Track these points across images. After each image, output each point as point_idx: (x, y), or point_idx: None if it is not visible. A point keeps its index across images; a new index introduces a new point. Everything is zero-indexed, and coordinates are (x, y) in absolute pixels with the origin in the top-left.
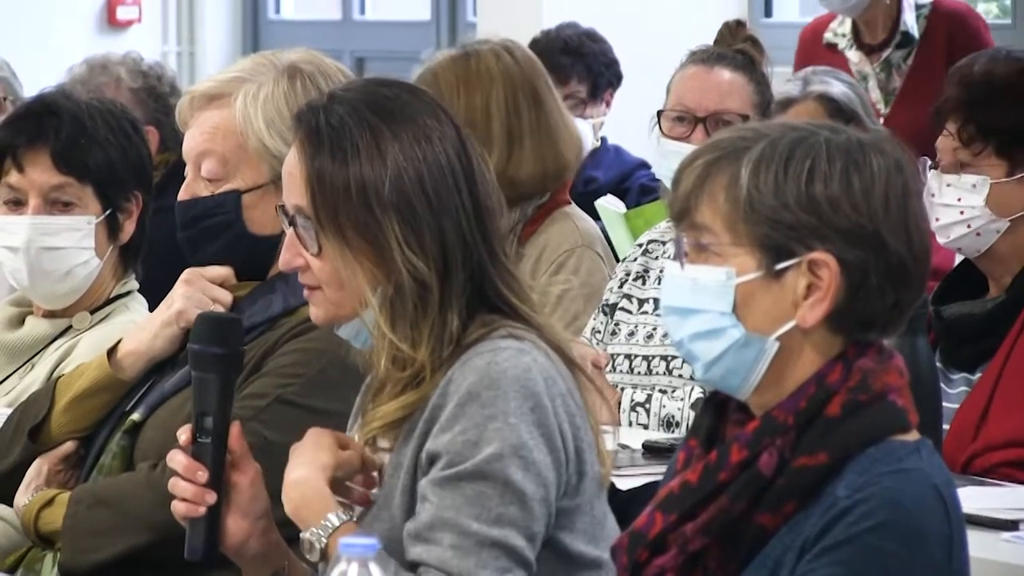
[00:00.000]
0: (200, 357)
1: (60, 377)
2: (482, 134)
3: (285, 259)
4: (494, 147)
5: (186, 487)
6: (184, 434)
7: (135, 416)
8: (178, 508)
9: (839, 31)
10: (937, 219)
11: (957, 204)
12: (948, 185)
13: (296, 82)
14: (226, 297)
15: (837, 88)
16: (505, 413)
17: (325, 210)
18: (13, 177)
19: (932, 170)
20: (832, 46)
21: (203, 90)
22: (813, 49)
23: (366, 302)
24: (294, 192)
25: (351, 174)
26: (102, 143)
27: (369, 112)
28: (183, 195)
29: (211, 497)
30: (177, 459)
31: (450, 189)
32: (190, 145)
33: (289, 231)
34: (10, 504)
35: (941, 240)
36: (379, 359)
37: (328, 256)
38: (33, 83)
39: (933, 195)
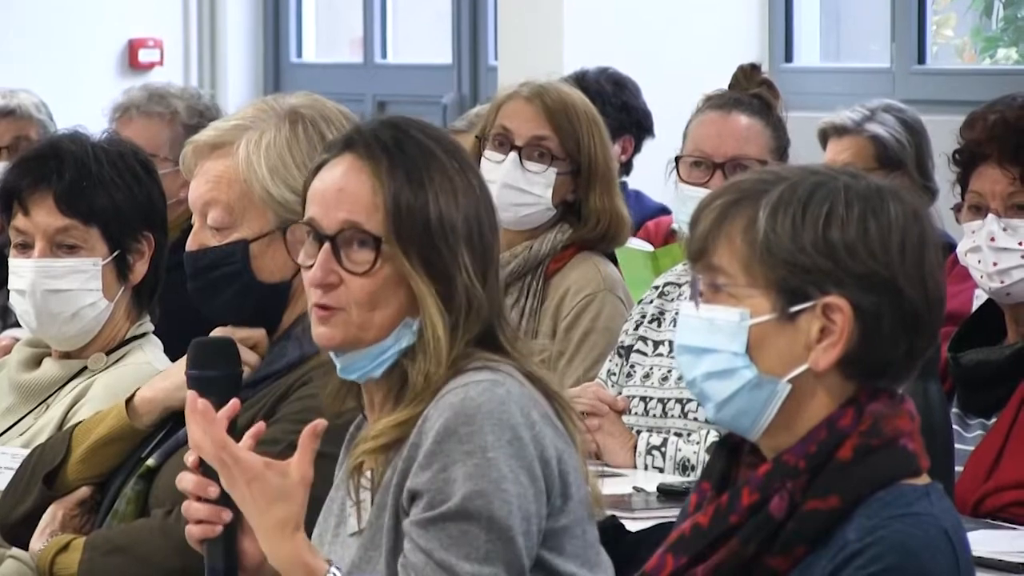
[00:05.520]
0: (199, 381)
1: (78, 424)
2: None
3: (316, 276)
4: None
5: (200, 508)
6: (192, 457)
7: (150, 462)
8: (193, 532)
9: None
10: (995, 263)
11: (1019, 248)
12: (1005, 229)
13: (298, 127)
14: (256, 360)
15: (892, 133)
16: (483, 448)
17: (401, 234)
18: (20, 220)
19: (990, 215)
20: None
21: (205, 139)
22: None
23: (389, 326)
24: (347, 208)
25: (430, 202)
26: (107, 185)
27: (431, 143)
28: (191, 245)
29: (227, 515)
30: (186, 479)
31: (493, 227)
32: (195, 195)
33: (325, 247)
34: (26, 549)
35: (993, 285)
36: (418, 373)
37: (378, 277)
38: (55, 125)
39: (993, 239)
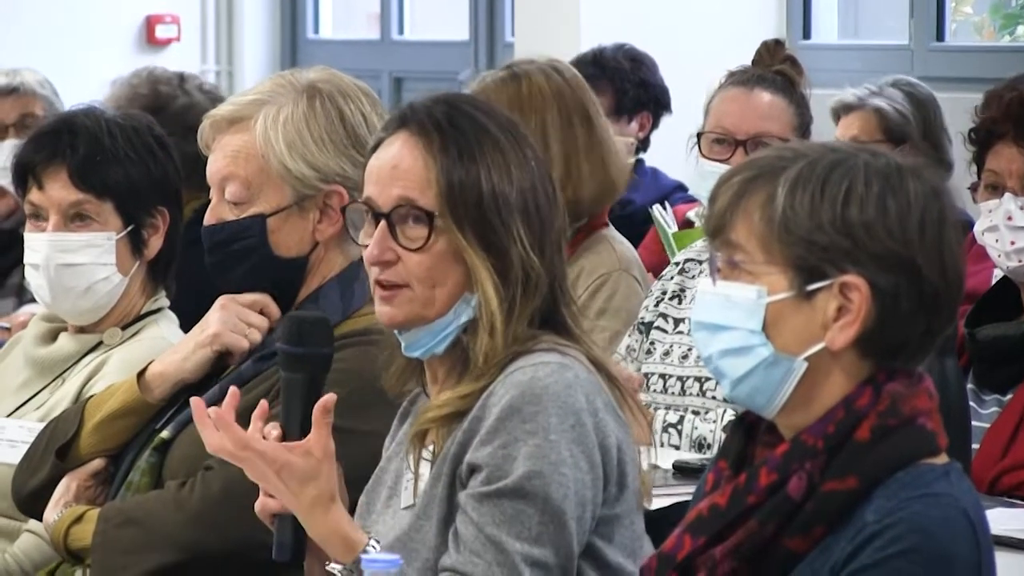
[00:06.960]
0: (287, 357)
1: (90, 397)
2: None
3: (373, 254)
4: (553, 169)
5: None
6: (276, 430)
7: (164, 434)
8: (270, 505)
9: None
10: (1013, 242)
11: None
12: (1022, 208)
13: (315, 102)
14: (262, 322)
15: (894, 106)
16: (546, 429)
17: (455, 209)
18: (34, 194)
19: (1007, 194)
20: None
21: (223, 114)
22: None
23: (450, 302)
24: (401, 185)
25: (482, 176)
26: (121, 160)
27: (484, 117)
28: (209, 219)
29: None
30: None
31: (550, 199)
32: (213, 169)
33: (381, 224)
34: (40, 521)
35: (1011, 264)
36: (478, 348)
37: (434, 252)
38: (72, 101)
39: (1011, 218)
